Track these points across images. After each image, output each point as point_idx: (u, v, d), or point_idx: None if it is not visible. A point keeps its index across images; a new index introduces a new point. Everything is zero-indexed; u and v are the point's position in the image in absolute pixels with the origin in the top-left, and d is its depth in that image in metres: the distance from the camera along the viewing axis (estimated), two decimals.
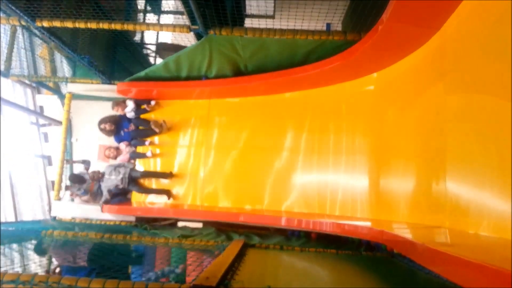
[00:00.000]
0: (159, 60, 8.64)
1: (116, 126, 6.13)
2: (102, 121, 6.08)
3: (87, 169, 6.23)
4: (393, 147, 3.80)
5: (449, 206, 2.77)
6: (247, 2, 6.76)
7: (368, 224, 3.55)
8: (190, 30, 4.67)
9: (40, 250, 4.14)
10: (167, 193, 5.87)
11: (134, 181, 5.97)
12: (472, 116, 2.59)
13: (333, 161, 4.71)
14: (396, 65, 3.96)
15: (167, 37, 10.57)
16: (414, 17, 3.07)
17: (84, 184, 6.09)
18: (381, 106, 4.12)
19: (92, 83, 6.21)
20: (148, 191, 6.03)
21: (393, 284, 2.89)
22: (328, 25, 5.60)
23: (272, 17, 6.98)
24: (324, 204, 4.66)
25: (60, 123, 6.86)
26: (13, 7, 4.20)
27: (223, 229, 5.34)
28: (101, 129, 6.11)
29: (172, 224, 6.24)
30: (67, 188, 6.18)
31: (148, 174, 6.07)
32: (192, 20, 4.49)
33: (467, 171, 2.61)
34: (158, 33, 8.94)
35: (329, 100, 4.86)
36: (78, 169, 6.64)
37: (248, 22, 5.74)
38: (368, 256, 3.77)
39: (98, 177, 6.00)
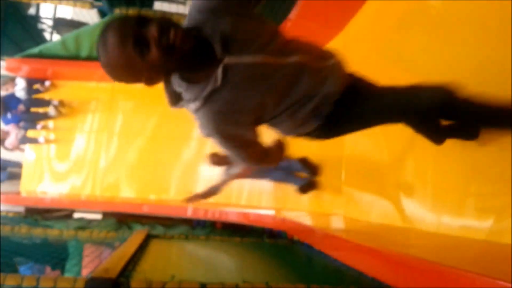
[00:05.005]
0: (56, 37, 8.00)
1: (3, 107, 5.45)
2: None
3: None
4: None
5: (345, 195, 3.01)
6: None
7: (271, 212, 3.68)
8: (93, 6, 4.36)
9: None
10: None
11: None
12: None
13: None
14: None
15: (66, 12, 9.83)
16: (319, 17, 3.25)
17: None
18: None
19: None
20: None
21: (293, 269, 3.04)
22: None
23: (183, 3, 6.81)
24: (230, 194, 4.70)
25: None
26: None
27: (124, 220, 5.10)
28: None
29: (67, 215, 5.80)
30: None
31: None
32: None
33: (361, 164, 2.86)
34: (56, 7, 8.25)
35: None
36: None
37: (158, 6, 5.54)
38: (270, 243, 3.91)
39: None
